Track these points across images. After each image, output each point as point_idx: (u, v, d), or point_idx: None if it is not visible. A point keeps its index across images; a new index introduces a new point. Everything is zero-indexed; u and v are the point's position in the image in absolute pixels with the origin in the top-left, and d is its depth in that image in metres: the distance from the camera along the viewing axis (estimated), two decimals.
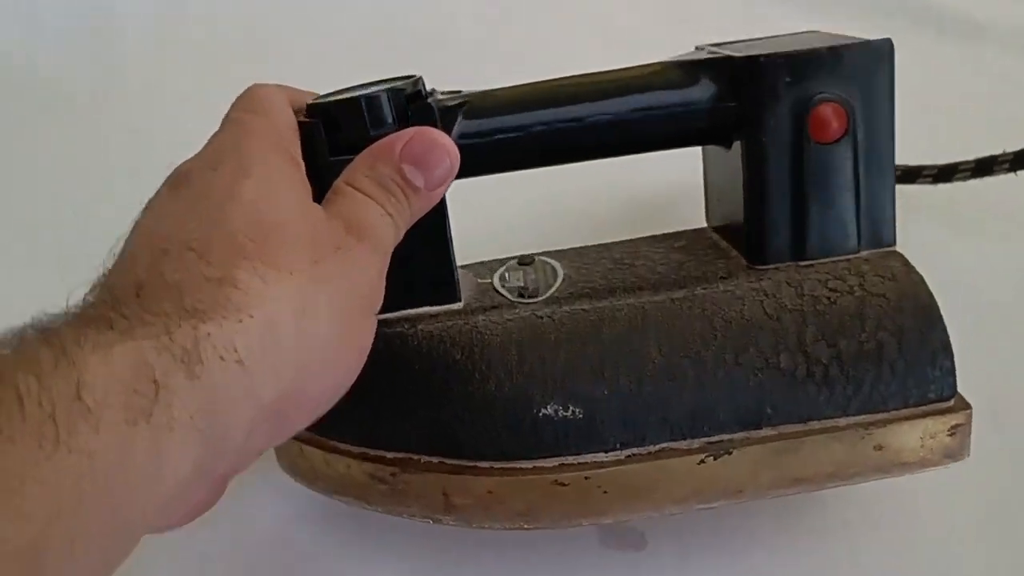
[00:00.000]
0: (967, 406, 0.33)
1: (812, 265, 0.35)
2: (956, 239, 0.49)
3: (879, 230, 0.35)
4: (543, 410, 0.32)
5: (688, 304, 0.34)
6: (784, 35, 0.37)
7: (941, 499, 0.37)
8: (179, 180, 0.29)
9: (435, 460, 0.33)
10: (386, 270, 0.30)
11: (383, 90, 0.32)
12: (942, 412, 0.33)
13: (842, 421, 0.32)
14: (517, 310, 0.35)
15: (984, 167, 0.45)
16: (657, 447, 0.32)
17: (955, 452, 0.33)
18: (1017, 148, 0.44)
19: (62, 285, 0.25)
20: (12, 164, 0.66)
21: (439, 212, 0.34)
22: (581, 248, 0.40)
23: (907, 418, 0.32)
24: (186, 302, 0.24)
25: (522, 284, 0.36)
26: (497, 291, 0.36)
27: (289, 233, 0.28)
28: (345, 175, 0.31)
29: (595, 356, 0.32)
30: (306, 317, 0.27)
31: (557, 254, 0.39)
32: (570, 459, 0.32)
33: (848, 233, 0.35)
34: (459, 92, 0.35)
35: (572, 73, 0.36)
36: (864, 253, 0.35)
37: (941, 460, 0.33)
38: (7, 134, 0.68)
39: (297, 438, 0.35)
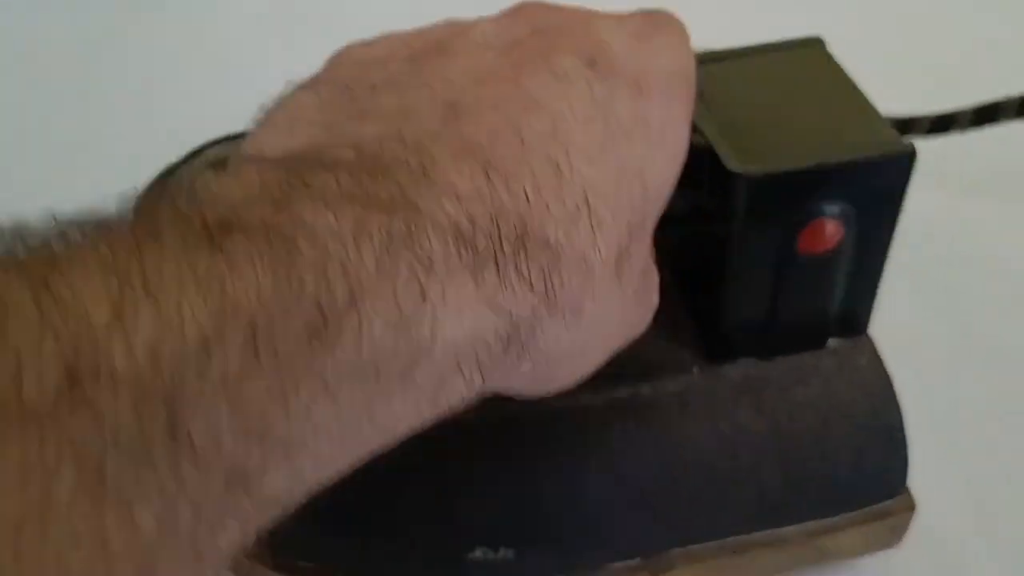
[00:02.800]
0: (911, 506, 0.32)
1: (774, 361, 0.30)
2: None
3: (853, 321, 0.30)
4: (471, 554, 0.29)
5: (634, 424, 0.30)
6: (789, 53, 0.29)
7: None
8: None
9: None
10: None
11: None
12: (886, 515, 0.31)
13: (788, 531, 0.31)
14: None
15: (985, 114, 0.38)
16: (594, 572, 0.31)
17: (891, 543, 0.32)
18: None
19: None
20: None
21: None
22: None
23: (853, 524, 0.31)
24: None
25: None
26: None
27: None
28: None
29: (529, 501, 0.29)
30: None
31: None
32: None
33: (819, 331, 0.30)
34: None
35: None
36: (832, 343, 0.31)
37: (876, 550, 0.33)
38: None
39: None
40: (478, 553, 0.29)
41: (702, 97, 0.27)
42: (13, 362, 0.13)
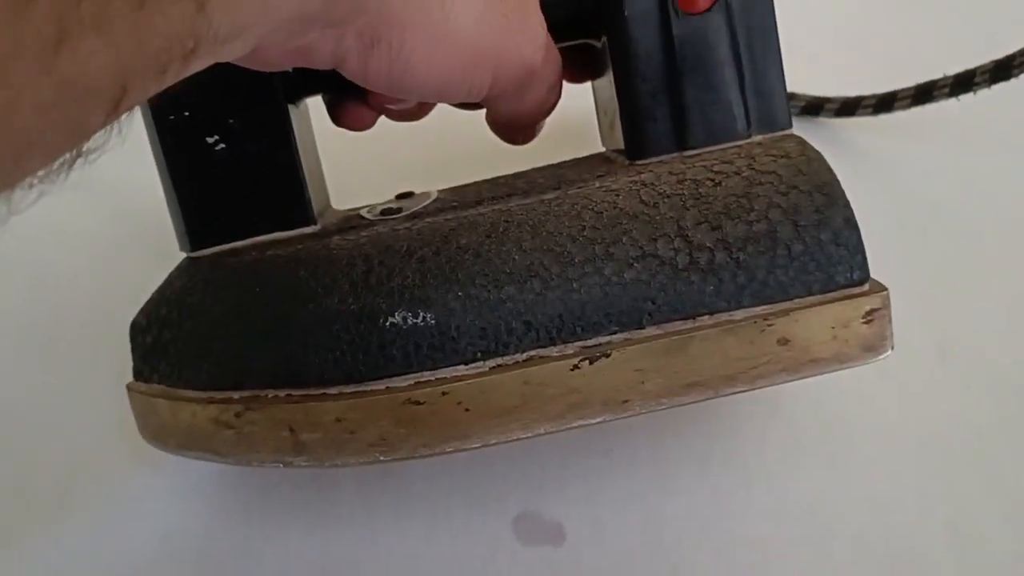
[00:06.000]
0: (882, 288, 0.28)
1: (698, 154, 0.31)
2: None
3: (771, 112, 0.31)
4: (390, 319, 0.28)
5: (557, 203, 0.30)
6: None
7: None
8: None
9: (282, 394, 0.29)
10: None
11: None
12: (852, 297, 0.28)
13: (737, 313, 0.28)
14: (376, 227, 0.31)
15: (923, 94, 0.40)
16: (524, 355, 0.28)
17: (875, 344, 0.28)
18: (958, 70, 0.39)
19: None
20: None
21: (283, 124, 0.31)
22: (470, 183, 0.36)
23: (811, 305, 0.28)
24: None
25: (390, 207, 0.33)
26: (362, 216, 0.33)
27: None
28: None
29: (449, 261, 0.29)
30: None
31: (442, 189, 0.36)
32: (426, 375, 0.28)
33: (735, 115, 0.31)
34: None
35: None
36: (757, 138, 0.31)
37: (860, 355, 0.29)
38: None
39: (145, 392, 0.32)
40: (396, 318, 0.28)
41: None
42: None
